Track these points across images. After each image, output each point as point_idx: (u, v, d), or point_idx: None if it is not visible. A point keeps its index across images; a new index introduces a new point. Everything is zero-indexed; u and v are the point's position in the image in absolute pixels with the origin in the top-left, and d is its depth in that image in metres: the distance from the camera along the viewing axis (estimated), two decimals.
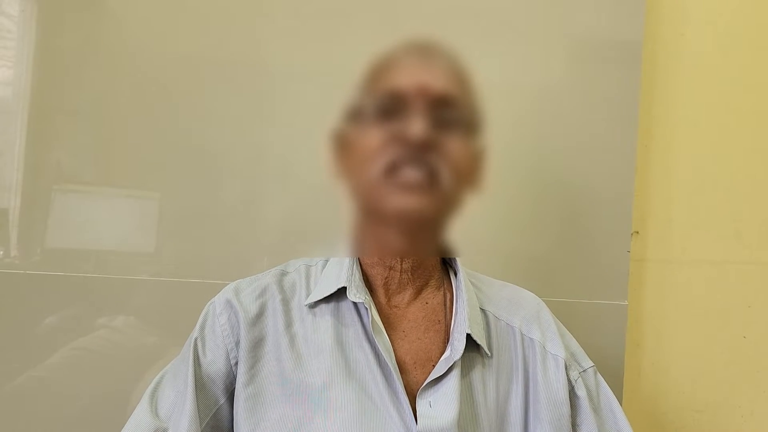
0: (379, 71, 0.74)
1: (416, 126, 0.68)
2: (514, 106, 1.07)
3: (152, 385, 0.79)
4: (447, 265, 0.84)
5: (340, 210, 0.76)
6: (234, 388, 0.75)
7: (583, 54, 1.11)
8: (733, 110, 1.14)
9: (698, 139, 1.14)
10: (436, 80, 0.71)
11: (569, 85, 1.10)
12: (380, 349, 0.72)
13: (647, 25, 1.12)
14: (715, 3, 1.14)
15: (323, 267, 0.81)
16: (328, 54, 1.07)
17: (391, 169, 0.69)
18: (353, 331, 0.75)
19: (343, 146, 0.75)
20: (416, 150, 0.68)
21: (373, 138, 0.70)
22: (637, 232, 1.12)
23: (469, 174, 0.73)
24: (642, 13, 1.10)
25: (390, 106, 0.71)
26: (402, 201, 0.68)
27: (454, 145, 0.70)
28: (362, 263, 0.79)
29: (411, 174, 0.68)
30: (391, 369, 0.72)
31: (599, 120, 1.09)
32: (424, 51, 0.74)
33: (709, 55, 1.14)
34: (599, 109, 1.09)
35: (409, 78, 0.71)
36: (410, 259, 0.77)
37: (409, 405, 0.71)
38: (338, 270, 0.78)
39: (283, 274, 0.82)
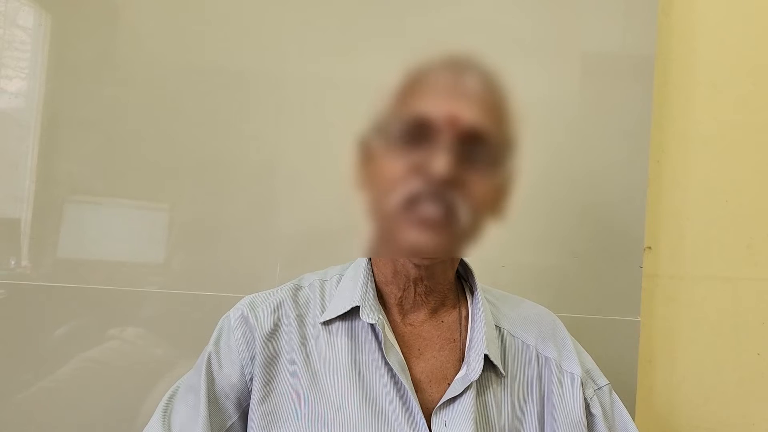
0: (410, 88, 0.71)
1: (440, 162, 0.66)
2: (526, 122, 1.07)
3: (165, 399, 0.78)
4: (462, 280, 0.83)
5: (356, 218, 0.74)
6: (247, 405, 0.75)
7: (595, 69, 1.11)
8: (745, 125, 1.13)
9: (710, 155, 1.13)
10: (467, 111, 0.68)
11: (582, 101, 1.10)
12: (395, 368, 0.72)
13: (659, 40, 1.12)
14: (727, 19, 1.14)
15: (338, 282, 0.80)
16: (340, 65, 1.08)
17: (410, 203, 0.67)
18: (368, 351, 0.75)
19: (368, 157, 0.73)
20: (437, 186, 0.66)
21: (396, 165, 0.68)
22: (650, 248, 1.12)
23: (491, 205, 0.72)
24: (654, 28, 1.10)
25: (418, 132, 0.68)
26: (416, 237, 0.67)
27: (478, 182, 0.68)
28: (377, 280, 0.79)
29: (429, 210, 0.66)
30: (407, 389, 0.71)
31: (611, 135, 1.09)
32: (458, 70, 0.70)
33: (720, 70, 1.14)
34: (611, 124, 1.09)
35: (440, 106, 0.68)
36: (424, 285, 0.76)
37: (425, 424, 0.70)
38: (352, 287, 0.77)
39: (298, 288, 0.81)
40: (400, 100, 0.71)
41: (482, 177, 0.69)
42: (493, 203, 0.72)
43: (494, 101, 0.71)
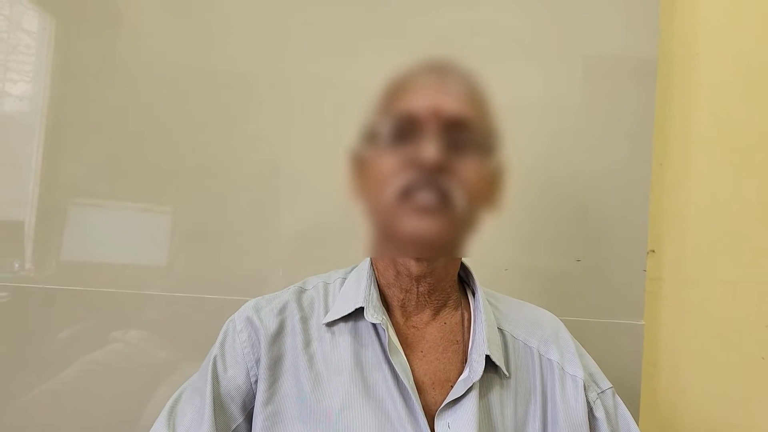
0: (394, 93, 0.73)
1: (429, 149, 0.68)
2: (528, 124, 1.07)
3: (171, 401, 0.78)
4: (464, 283, 0.83)
5: (356, 227, 0.75)
6: (252, 407, 0.75)
7: (597, 73, 1.11)
8: (748, 128, 1.13)
9: (713, 158, 1.13)
10: (449, 102, 0.71)
11: (584, 104, 1.10)
12: (398, 370, 0.72)
13: (661, 44, 1.12)
14: (729, 21, 1.14)
15: (341, 285, 0.81)
16: (342, 68, 1.08)
17: (405, 193, 0.69)
18: (372, 351, 0.75)
19: (360, 167, 0.75)
20: (429, 173, 0.68)
21: (387, 161, 0.71)
22: (653, 251, 1.11)
23: (484, 194, 0.73)
24: (656, 32, 1.10)
25: (404, 129, 0.71)
26: (416, 225, 0.69)
27: (468, 168, 0.70)
28: (380, 283, 0.79)
29: (424, 197, 0.68)
30: (409, 390, 0.71)
31: (614, 139, 1.09)
32: (439, 71, 0.74)
33: (723, 72, 1.14)
34: (614, 127, 1.09)
35: (422, 100, 0.71)
36: (426, 283, 0.76)
37: (427, 426, 0.70)
38: (356, 289, 0.78)
39: (302, 291, 0.81)
40: (385, 106, 0.73)
41: (472, 164, 0.71)
42: (486, 192, 0.73)
43: (475, 96, 0.74)
